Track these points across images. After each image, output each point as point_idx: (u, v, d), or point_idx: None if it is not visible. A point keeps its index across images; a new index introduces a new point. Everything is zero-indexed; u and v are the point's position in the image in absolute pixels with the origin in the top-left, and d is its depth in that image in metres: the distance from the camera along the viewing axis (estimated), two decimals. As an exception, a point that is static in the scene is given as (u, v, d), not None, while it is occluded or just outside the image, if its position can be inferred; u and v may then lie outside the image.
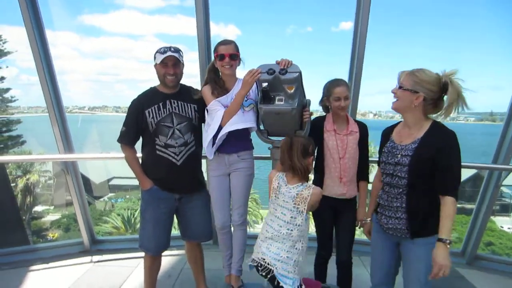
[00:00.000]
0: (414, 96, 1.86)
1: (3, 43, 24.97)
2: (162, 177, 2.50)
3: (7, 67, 26.17)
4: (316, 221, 2.62)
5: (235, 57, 2.45)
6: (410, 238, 1.94)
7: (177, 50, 2.43)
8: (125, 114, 2.55)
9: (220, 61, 2.43)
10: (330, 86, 2.43)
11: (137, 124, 2.45)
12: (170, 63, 2.40)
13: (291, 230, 2.03)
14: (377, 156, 2.17)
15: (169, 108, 2.46)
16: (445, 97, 1.85)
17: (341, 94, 2.38)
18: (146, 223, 2.55)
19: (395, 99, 1.95)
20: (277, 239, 2.05)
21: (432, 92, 1.85)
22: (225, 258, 2.72)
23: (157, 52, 2.42)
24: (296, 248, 2.04)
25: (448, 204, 1.81)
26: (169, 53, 2.38)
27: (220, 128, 2.42)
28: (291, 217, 2.04)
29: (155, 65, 2.44)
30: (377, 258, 2.17)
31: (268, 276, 2.04)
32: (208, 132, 2.46)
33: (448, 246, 1.78)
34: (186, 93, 2.55)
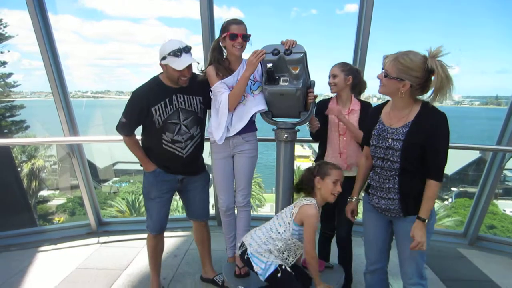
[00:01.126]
0: (400, 84, 1.80)
1: (4, 27, 24.77)
2: (167, 165, 2.54)
3: (8, 51, 26.02)
4: None
5: (247, 38, 2.41)
6: (403, 217, 1.96)
7: (190, 49, 2.35)
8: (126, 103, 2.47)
9: (232, 40, 2.37)
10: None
11: (140, 118, 2.43)
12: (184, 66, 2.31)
13: (279, 233, 2.16)
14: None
15: (175, 104, 2.43)
16: (432, 78, 1.79)
17: (331, 72, 2.58)
18: (150, 203, 2.59)
19: (381, 85, 1.89)
20: (264, 230, 2.22)
21: (418, 79, 1.78)
22: (229, 240, 2.74)
23: (169, 54, 2.29)
24: (276, 245, 2.14)
25: (431, 187, 1.85)
26: (186, 59, 2.30)
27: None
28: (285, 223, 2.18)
29: (164, 65, 2.35)
30: (371, 237, 2.20)
31: (245, 256, 2.17)
32: (219, 117, 2.41)
33: (425, 224, 1.87)
34: (190, 83, 2.46)
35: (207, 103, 2.56)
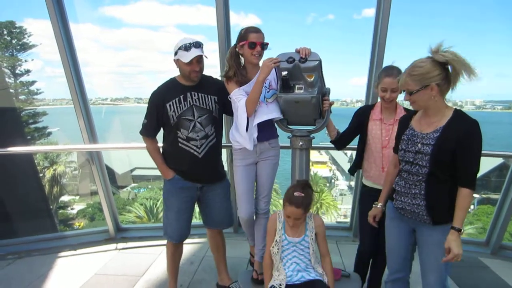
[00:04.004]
0: (428, 90, 1.80)
1: (28, 36, 25.61)
2: (184, 169, 2.55)
3: (32, 60, 26.83)
4: (358, 213, 2.62)
5: (265, 46, 2.41)
6: (432, 225, 1.91)
7: (200, 45, 2.41)
8: (146, 106, 2.57)
9: (251, 49, 2.38)
10: (381, 74, 2.34)
11: (158, 116, 2.48)
12: (194, 60, 2.39)
13: None
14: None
15: (189, 101, 2.48)
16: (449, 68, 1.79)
17: (388, 86, 2.29)
18: (169, 211, 2.61)
19: (411, 103, 1.88)
20: None
21: (439, 76, 1.77)
22: (251, 236, 2.75)
23: (179, 49, 2.39)
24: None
25: (463, 196, 1.81)
26: (195, 52, 2.36)
27: (247, 118, 2.39)
28: None
29: (177, 60, 2.43)
30: (393, 246, 2.16)
31: None
32: (239, 123, 2.41)
33: (460, 234, 1.82)
34: (206, 83, 2.55)
35: (222, 105, 2.57)
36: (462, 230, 1.82)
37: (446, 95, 1.87)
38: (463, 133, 1.78)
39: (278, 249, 2.16)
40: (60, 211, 24.74)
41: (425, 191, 1.89)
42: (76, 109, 3.63)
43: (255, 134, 2.42)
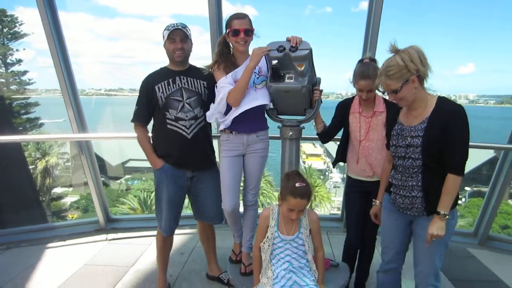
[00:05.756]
0: (410, 84, 1.81)
1: (20, 25, 25.21)
2: (173, 153, 2.51)
3: (24, 49, 26.47)
4: (345, 205, 2.63)
5: (249, 33, 2.36)
6: (426, 216, 1.93)
7: (184, 26, 2.42)
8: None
9: (234, 36, 2.34)
10: (357, 75, 2.31)
11: (148, 101, 2.46)
12: (177, 38, 2.39)
13: None
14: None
15: (178, 84, 2.46)
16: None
17: (364, 88, 2.29)
18: (160, 202, 2.58)
19: (399, 101, 1.89)
20: None
21: (415, 68, 1.79)
22: (236, 232, 2.73)
23: (164, 30, 2.43)
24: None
25: (450, 181, 1.83)
26: (175, 28, 2.38)
27: (228, 105, 2.36)
28: None
29: (164, 44, 2.45)
30: (389, 237, 2.16)
31: None
32: (219, 110, 2.39)
33: (444, 219, 1.84)
34: (195, 70, 2.55)
35: (212, 91, 2.52)
36: (447, 215, 1.83)
37: (425, 84, 1.89)
38: (449, 120, 1.80)
39: (269, 245, 2.10)
40: (53, 202, 24.63)
41: (422, 183, 1.90)
42: (65, 99, 3.59)
43: (233, 116, 2.37)
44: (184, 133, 2.47)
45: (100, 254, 3.45)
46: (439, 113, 1.84)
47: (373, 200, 2.32)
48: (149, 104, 2.47)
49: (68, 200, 25.32)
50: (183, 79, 2.48)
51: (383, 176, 2.24)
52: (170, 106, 2.44)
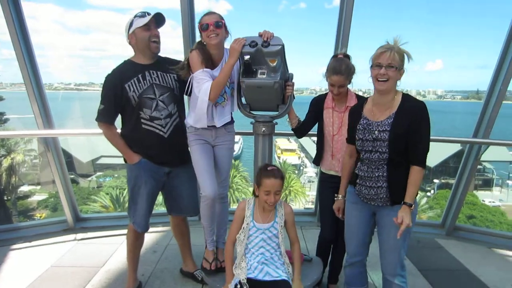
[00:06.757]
0: (400, 73, 1.93)
1: (-19, 16, 23.92)
2: (151, 153, 2.45)
3: (-15, 42, 25.14)
4: (318, 200, 2.64)
5: (219, 25, 2.32)
6: (391, 206, 1.99)
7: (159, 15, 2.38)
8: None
9: (205, 31, 2.31)
10: (330, 70, 2.33)
11: (116, 100, 2.36)
12: (152, 25, 2.34)
13: None
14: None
15: (149, 80, 2.39)
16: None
17: (336, 83, 2.31)
18: (136, 198, 2.51)
19: (383, 79, 1.90)
20: None
21: (404, 65, 1.93)
22: (209, 233, 2.64)
23: (134, 17, 2.35)
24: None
25: (415, 173, 1.93)
26: (151, 16, 2.32)
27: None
28: None
29: (132, 33, 2.35)
30: (353, 228, 2.21)
31: None
32: (198, 104, 2.32)
33: (411, 209, 1.92)
34: (163, 62, 2.48)
35: (182, 82, 2.47)
36: (413, 206, 1.92)
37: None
38: (414, 115, 1.91)
39: (244, 235, 2.13)
40: (20, 201, 23.72)
41: (387, 173, 1.97)
42: (29, 93, 3.43)
43: (217, 120, 2.42)
44: (161, 132, 2.42)
45: (68, 254, 3.33)
46: (405, 109, 1.93)
47: (336, 194, 2.35)
48: (117, 104, 2.38)
49: (36, 199, 24.44)
50: (153, 74, 2.41)
51: (345, 170, 2.28)
52: (144, 106, 2.37)
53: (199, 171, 2.47)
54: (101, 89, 2.40)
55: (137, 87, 2.35)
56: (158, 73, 2.42)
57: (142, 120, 2.39)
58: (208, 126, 2.41)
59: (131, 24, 2.35)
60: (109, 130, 2.45)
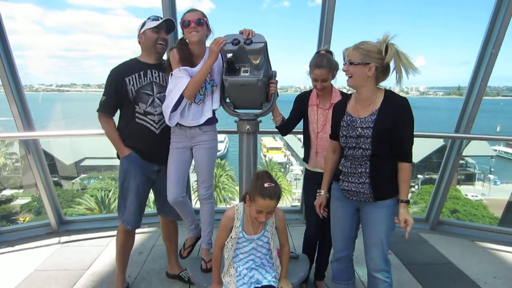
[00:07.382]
0: (366, 68, 1.91)
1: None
2: (142, 147, 2.48)
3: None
4: (303, 197, 2.64)
5: (201, 22, 2.31)
6: (374, 201, 2.01)
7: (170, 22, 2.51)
8: (102, 88, 2.51)
9: (186, 27, 2.31)
10: (312, 65, 2.36)
11: (117, 92, 2.42)
12: (162, 29, 2.46)
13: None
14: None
15: (149, 77, 2.45)
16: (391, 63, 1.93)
17: (318, 77, 2.34)
18: (126, 193, 2.50)
19: (348, 77, 1.96)
20: None
21: (381, 60, 1.89)
22: (188, 223, 2.69)
23: (148, 19, 2.45)
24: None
25: (404, 169, 1.97)
26: (162, 20, 2.44)
27: (181, 98, 2.31)
28: None
29: (143, 33, 2.45)
30: (338, 225, 2.23)
31: None
32: (169, 98, 2.32)
33: (408, 205, 1.97)
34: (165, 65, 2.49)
35: None
36: (408, 201, 1.97)
37: (380, 83, 1.99)
38: (397, 111, 1.92)
39: (232, 245, 2.05)
40: (2, 206, 23.16)
41: (369, 169, 1.99)
42: (7, 94, 3.34)
43: (175, 119, 2.39)
44: (152, 128, 2.46)
45: (52, 258, 3.27)
46: (388, 106, 1.95)
47: (318, 190, 2.34)
48: (118, 95, 2.42)
49: (18, 203, 23.90)
50: (155, 73, 2.47)
51: (327, 166, 2.29)
52: (140, 100, 2.42)
53: (167, 176, 2.51)
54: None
55: (137, 82, 2.42)
56: (160, 73, 2.48)
57: (137, 114, 2.44)
58: (180, 125, 2.42)
59: (143, 25, 2.45)
60: (107, 122, 2.50)
